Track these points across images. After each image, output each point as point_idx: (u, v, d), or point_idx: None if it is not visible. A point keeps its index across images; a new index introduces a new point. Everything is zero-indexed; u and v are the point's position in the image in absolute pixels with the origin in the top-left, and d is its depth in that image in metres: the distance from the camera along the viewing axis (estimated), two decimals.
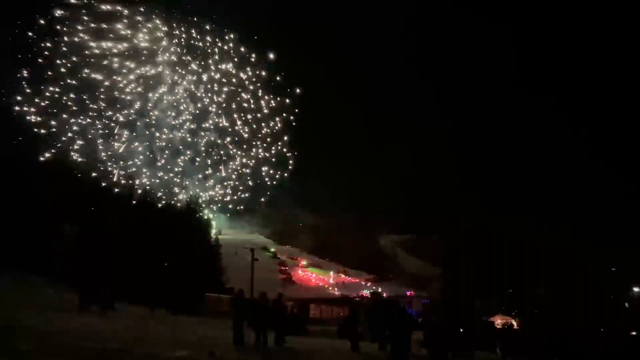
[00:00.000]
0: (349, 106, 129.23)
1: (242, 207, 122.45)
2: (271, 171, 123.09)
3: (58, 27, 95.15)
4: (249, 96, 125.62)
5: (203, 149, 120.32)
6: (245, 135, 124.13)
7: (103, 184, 59.05)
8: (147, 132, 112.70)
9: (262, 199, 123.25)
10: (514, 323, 53.03)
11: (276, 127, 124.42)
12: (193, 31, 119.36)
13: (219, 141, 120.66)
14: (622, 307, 60.38)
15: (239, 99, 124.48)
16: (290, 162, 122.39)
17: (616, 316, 53.90)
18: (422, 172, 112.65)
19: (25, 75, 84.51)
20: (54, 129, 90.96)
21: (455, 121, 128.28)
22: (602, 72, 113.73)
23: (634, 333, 39.49)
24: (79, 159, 73.97)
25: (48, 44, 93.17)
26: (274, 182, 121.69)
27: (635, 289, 61.66)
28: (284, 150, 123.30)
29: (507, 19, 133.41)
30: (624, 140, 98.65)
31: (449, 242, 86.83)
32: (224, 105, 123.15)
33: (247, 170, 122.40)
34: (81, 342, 11.06)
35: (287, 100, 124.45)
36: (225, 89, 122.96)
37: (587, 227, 74.46)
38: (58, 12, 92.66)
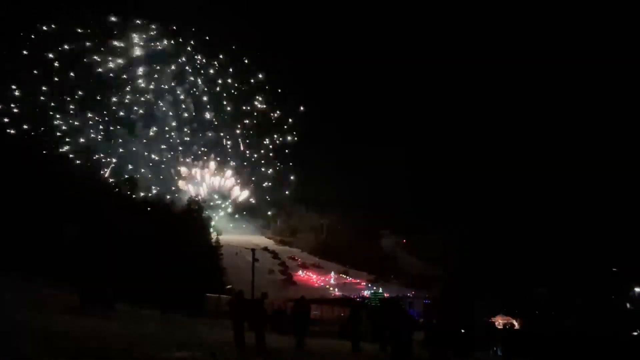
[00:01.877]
0: (351, 106, 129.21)
1: (244, 208, 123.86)
2: (272, 191, 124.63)
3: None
4: (249, 108, 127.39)
5: (203, 151, 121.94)
6: (247, 152, 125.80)
7: (104, 184, 59.26)
8: (149, 135, 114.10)
9: (264, 199, 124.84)
10: (515, 323, 53.00)
11: (277, 141, 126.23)
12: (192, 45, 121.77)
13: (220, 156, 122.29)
14: (623, 308, 60.29)
15: (241, 110, 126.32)
16: (292, 177, 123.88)
17: (617, 317, 53.82)
18: (423, 172, 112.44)
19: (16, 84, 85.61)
20: (54, 130, 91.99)
21: (456, 121, 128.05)
22: (600, 69, 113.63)
23: (635, 333, 39.49)
24: (81, 159, 74.27)
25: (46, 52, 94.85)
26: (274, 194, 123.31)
27: (637, 290, 61.51)
28: (285, 167, 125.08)
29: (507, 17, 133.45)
30: (624, 140, 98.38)
31: (450, 242, 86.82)
32: (226, 117, 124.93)
33: (249, 190, 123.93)
34: (82, 343, 11.06)
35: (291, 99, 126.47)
36: (226, 104, 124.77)
37: (588, 227, 74.33)
38: (50, 27, 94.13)
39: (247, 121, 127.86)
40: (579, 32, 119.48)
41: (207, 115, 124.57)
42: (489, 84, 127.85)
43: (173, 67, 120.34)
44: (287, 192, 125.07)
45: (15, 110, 75.12)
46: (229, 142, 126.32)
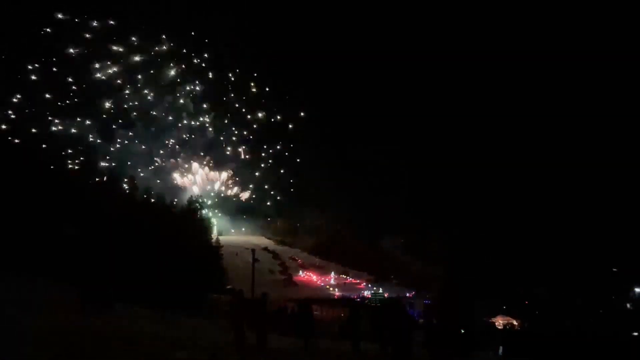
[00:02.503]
0: (352, 106, 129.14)
1: (244, 208, 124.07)
2: (272, 192, 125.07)
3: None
4: (249, 116, 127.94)
5: (201, 155, 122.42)
6: (247, 156, 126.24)
7: (104, 184, 59.26)
8: (148, 136, 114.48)
9: (265, 200, 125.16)
10: (515, 323, 53.06)
11: (278, 145, 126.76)
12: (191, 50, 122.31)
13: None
14: (623, 308, 60.30)
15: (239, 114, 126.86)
16: (291, 180, 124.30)
17: (618, 317, 53.83)
18: (423, 172, 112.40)
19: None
20: (55, 130, 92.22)
21: (455, 121, 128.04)
22: (600, 69, 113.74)
23: (635, 334, 39.48)
24: (80, 159, 74.38)
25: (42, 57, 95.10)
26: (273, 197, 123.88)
27: (637, 290, 61.54)
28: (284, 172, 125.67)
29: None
30: (624, 140, 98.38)
31: (450, 243, 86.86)
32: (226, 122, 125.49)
33: (249, 190, 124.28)
34: (82, 343, 11.05)
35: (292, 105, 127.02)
36: (226, 107, 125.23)
37: (588, 227, 74.31)
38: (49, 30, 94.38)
39: (246, 126, 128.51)
40: (578, 31, 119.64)
41: (207, 118, 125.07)
42: (488, 83, 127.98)
43: (172, 72, 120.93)
44: (287, 193, 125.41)
45: (13, 116, 75.52)
46: (228, 148, 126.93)
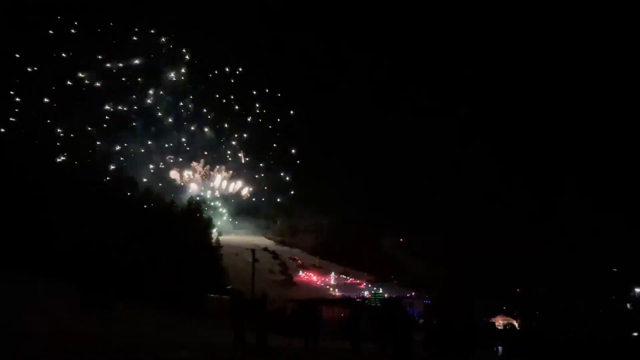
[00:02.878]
0: (352, 105, 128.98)
1: (243, 208, 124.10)
2: (272, 192, 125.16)
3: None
4: (249, 119, 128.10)
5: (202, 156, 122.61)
6: (247, 159, 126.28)
7: (104, 184, 59.25)
8: (148, 136, 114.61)
9: (264, 200, 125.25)
10: (515, 324, 53.07)
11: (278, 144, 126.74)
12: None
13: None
14: (623, 308, 60.28)
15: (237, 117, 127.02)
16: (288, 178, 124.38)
17: (618, 317, 53.83)
18: (423, 171, 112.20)
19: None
20: (55, 129, 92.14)
21: (455, 119, 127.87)
22: (598, 70, 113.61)
23: (635, 334, 39.52)
24: (81, 159, 74.23)
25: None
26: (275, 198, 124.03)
27: (637, 290, 61.54)
28: (286, 177, 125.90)
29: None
30: (626, 140, 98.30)
31: (450, 243, 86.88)
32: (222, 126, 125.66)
33: (250, 189, 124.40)
34: (82, 343, 11.06)
35: (291, 112, 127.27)
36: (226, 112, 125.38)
37: (588, 227, 74.27)
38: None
39: (246, 126, 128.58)
40: (577, 32, 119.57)
41: (207, 119, 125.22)
42: (486, 83, 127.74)
43: (173, 75, 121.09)
44: (287, 193, 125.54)
45: (13, 119, 75.48)
46: (228, 151, 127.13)
